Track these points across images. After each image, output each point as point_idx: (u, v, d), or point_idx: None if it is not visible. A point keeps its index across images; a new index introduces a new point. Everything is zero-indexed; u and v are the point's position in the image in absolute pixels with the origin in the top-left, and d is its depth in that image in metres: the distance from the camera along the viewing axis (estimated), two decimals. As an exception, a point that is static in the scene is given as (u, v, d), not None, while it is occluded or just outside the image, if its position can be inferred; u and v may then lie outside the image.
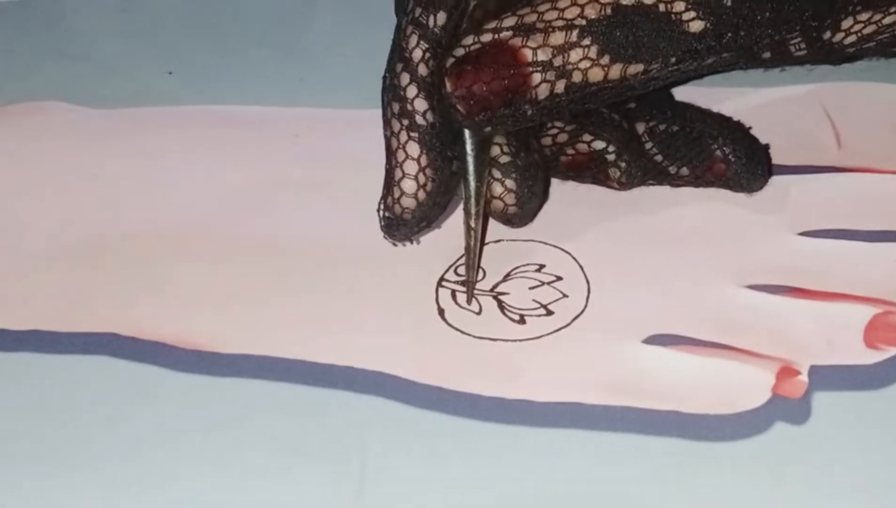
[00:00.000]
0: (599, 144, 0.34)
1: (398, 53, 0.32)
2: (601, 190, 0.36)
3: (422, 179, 0.32)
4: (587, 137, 0.34)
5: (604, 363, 0.31)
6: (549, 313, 0.33)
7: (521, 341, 0.32)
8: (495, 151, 0.33)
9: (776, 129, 0.37)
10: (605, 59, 0.30)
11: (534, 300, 0.33)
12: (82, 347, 0.33)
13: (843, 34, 0.32)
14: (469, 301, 0.33)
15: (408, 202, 0.32)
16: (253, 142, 0.39)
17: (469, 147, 0.32)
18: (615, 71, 0.30)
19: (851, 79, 0.39)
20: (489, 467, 0.29)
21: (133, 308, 0.34)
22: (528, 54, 0.30)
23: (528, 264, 0.34)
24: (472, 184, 0.32)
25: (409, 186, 0.32)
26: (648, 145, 0.34)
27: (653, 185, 0.35)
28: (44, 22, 0.45)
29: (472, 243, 0.33)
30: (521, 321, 0.33)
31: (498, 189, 0.33)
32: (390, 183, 0.32)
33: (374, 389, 0.31)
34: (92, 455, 0.30)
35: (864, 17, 0.32)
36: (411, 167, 0.32)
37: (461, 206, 0.33)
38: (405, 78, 0.32)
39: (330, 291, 0.34)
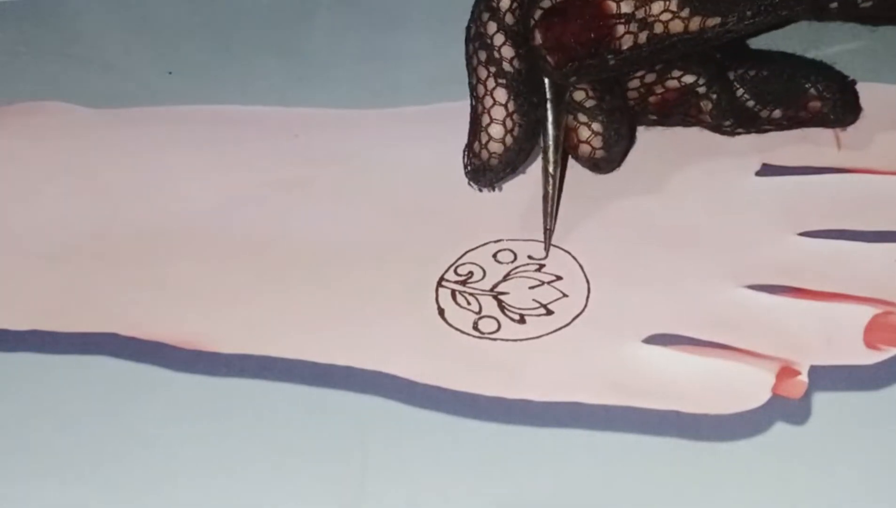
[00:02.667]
0: (689, 78, 0.34)
1: (484, 3, 0.33)
2: (601, 191, 0.36)
3: (509, 124, 0.33)
4: (676, 73, 0.34)
5: (604, 363, 0.31)
6: (549, 312, 0.33)
7: (521, 340, 0.32)
8: (580, 95, 0.33)
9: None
10: (686, 12, 0.31)
11: (534, 300, 0.33)
12: (82, 347, 0.33)
13: None
14: (546, 250, 0.34)
15: (495, 147, 0.33)
16: (253, 142, 0.39)
17: (548, 95, 0.33)
18: (694, 23, 0.31)
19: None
20: (489, 467, 0.29)
21: (133, 308, 0.34)
22: (612, 6, 0.31)
23: (527, 264, 0.34)
24: (551, 131, 0.33)
25: (496, 131, 0.33)
26: (739, 92, 0.35)
27: (741, 133, 0.36)
28: (44, 22, 0.45)
29: (551, 191, 0.34)
30: (521, 320, 0.33)
31: (585, 133, 0.34)
32: (477, 129, 0.33)
33: (374, 389, 0.31)
34: (92, 455, 0.30)
35: None
36: (499, 113, 0.33)
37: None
38: (492, 26, 0.33)
39: (330, 291, 0.34)
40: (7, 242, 0.36)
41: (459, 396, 0.31)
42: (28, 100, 0.42)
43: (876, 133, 0.38)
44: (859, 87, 0.38)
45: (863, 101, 0.38)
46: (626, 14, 0.31)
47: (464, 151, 0.34)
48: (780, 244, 0.34)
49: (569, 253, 0.35)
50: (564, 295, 0.33)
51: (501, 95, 0.33)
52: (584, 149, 0.34)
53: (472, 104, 0.33)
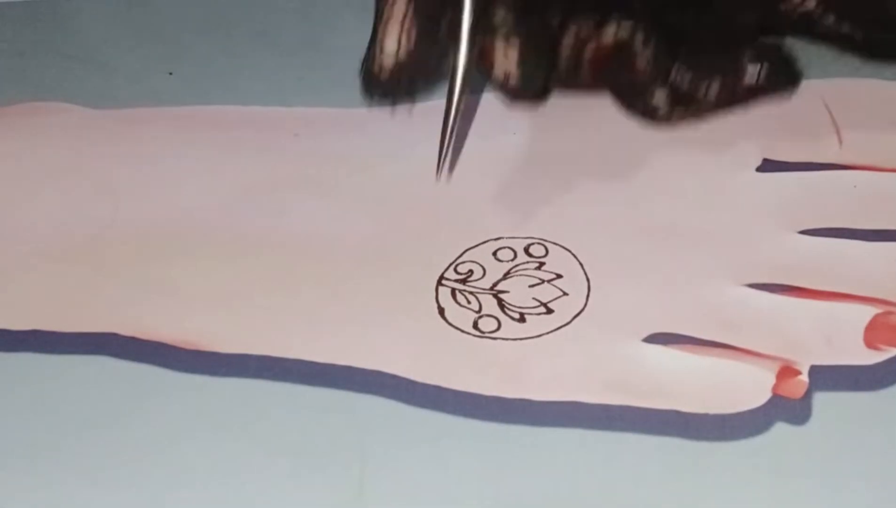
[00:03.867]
0: (625, 32, 0.32)
1: None
2: (600, 189, 0.36)
3: (404, 40, 0.31)
4: (612, 27, 0.32)
5: (604, 363, 0.31)
6: (549, 311, 0.33)
7: (520, 339, 0.32)
8: (499, 14, 0.31)
9: (777, 125, 0.37)
10: None
11: (534, 299, 0.33)
12: (82, 347, 0.33)
13: None
14: (438, 172, 0.32)
15: (387, 61, 0.31)
16: (253, 142, 0.39)
17: (465, 16, 0.31)
18: None
19: (853, 75, 0.39)
20: (489, 467, 0.29)
21: (133, 308, 0.34)
22: None
23: (528, 262, 0.34)
24: (463, 56, 0.31)
25: (390, 44, 0.31)
26: (672, 76, 0.33)
27: (680, 113, 0.34)
28: (44, 22, 0.45)
29: (451, 121, 0.32)
30: (521, 319, 0.33)
31: (500, 55, 0.32)
32: (373, 40, 0.31)
33: (373, 389, 0.31)
34: (92, 456, 0.30)
35: None
36: (395, 26, 0.31)
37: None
38: None
39: (330, 291, 0.34)
40: (7, 242, 0.36)
41: (459, 396, 0.31)
42: (28, 100, 0.42)
43: (877, 131, 0.37)
44: (860, 83, 0.38)
45: (864, 98, 0.38)
46: None
47: (361, 62, 0.32)
48: (780, 243, 0.34)
49: (569, 251, 0.35)
50: (564, 294, 0.33)
51: (400, 7, 0.31)
52: (499, 72, 0.32)
53: (374, 13, 0.31)
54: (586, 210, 0.36)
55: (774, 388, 0.30)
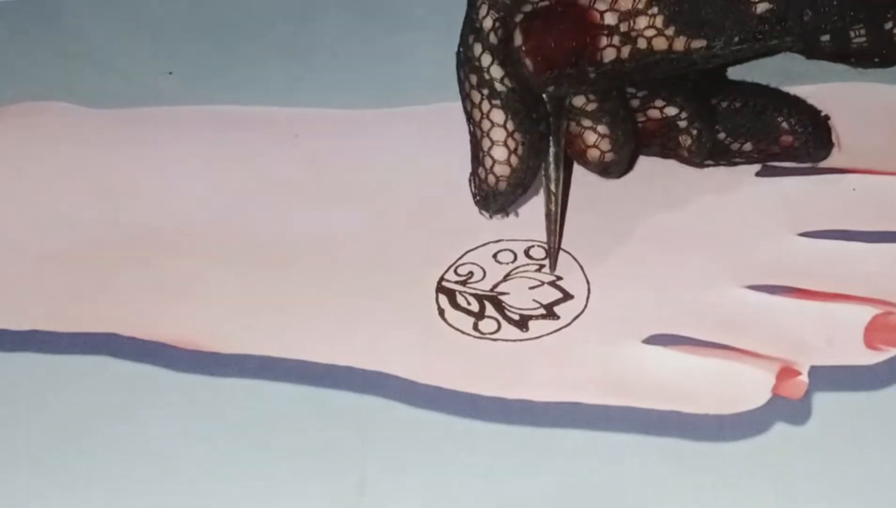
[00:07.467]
0: (672, 110, 0.33)
1: (469, 25, 0.32)
2: (600, 191, 0.36)
3: (511, 144, 0.31)
4: (659, 103, 0.33)
5: (604, 363, 0.31)
6: (550, 313, 0.33)
7: (521, 341, 0.32)
8: (580, 100, 0.32)
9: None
10: (671, 30, 0.30)
11: (534, 300, 0.33)
12: (82, 347, 0.33)
13: None
14: (552, 268, 0.33)
15: (501, 170, 0.32)
16: (253, 142, 0.39)
17: (548, 102, 0.32)
18: (679, 43, 0.30)
19: (852, 80, 0.39)
20: (489, 467, 0.29)
21: (133, 308, 0.34)
22: (596, 16, 0.30)
23: (528, 264, 0.34)
24: (552, 148, 0.32)
25: (499, 153, 0.32)
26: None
27: (709, 165, 0.35)
28: (44, 22, 0.45)
29: (554, 209, 0.33)
30: (522, 321, 0.33)
31: (591, 137, 0.33)
32: (479, 154, 0.32)
33: (374, 389, 0.31)
34: (92, 456, 0.30)
35: None
36: (499, 134, 0.31)
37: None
38: (478, 48, 0.31)
39: (330, 291, 0.34)
40: (7, 242, 0.36)
41: (459, 396, 0.31)
42: (28, 100, 0.42)
43: (876, 133, 0.38)
44: (859, 87, 0.38)
45: (863, 101, 0.38)
46: (609, 26, 0.30)
47: (469, 180, 0.33)
48: (780, 244, 0.34)
49: (569, 253, 0.35)
50: (564, 296, 0.33)
51: (498, 115, 0.31)
52: (593, 153, 0.33)
53: (470, 131, 0.32)
54: (586, 213, 0.36)
55: (774, 388, 0.30)
